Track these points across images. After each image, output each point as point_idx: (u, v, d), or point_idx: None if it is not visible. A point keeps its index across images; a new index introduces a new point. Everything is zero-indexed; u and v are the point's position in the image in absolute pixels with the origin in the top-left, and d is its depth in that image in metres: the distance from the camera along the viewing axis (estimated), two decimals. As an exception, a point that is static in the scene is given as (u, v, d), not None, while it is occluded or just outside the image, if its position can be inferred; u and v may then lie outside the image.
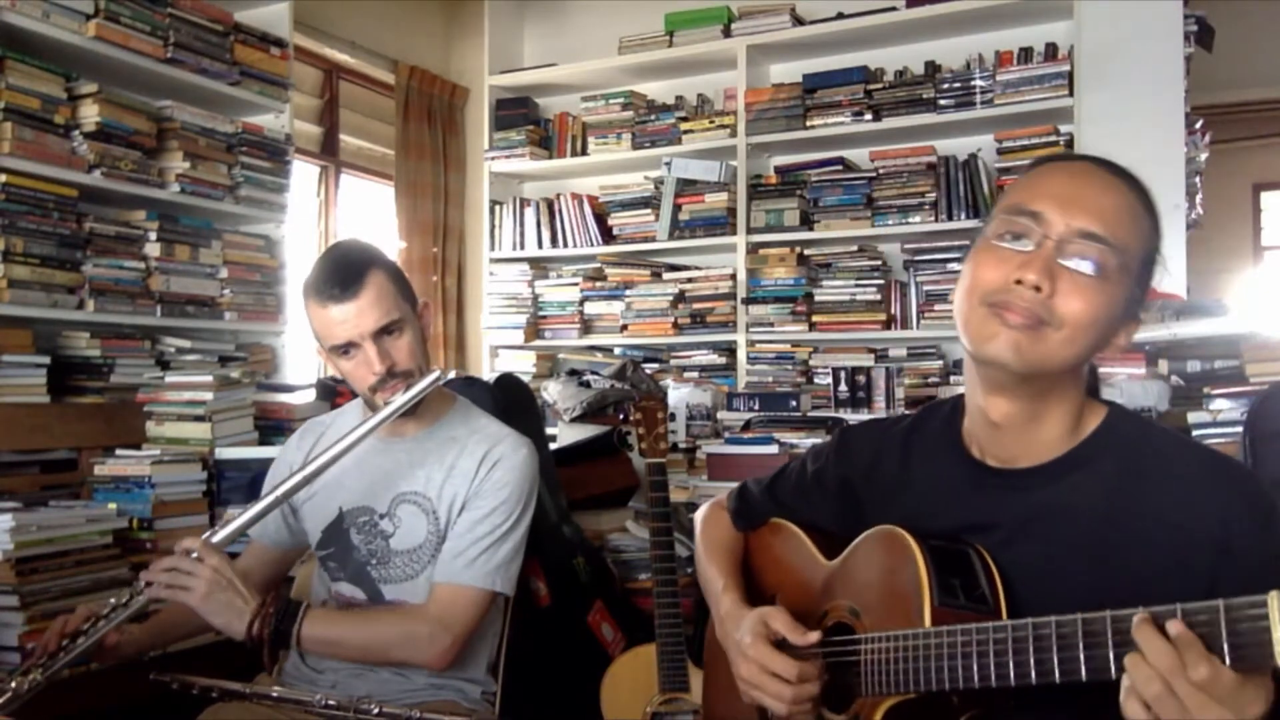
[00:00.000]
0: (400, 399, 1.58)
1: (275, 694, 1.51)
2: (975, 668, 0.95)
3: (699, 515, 1.49)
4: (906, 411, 1.31)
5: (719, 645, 1.31)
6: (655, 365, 4.07)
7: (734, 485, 1.48)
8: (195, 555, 1.50)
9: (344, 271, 1.61)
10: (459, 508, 1.67)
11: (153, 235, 2.82)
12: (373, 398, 1.65)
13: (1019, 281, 1.00)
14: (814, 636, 1.14)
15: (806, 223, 3.85)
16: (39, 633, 1.60)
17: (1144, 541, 0.87)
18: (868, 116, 3.74)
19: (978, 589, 1.01)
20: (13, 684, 1.43)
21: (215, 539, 1.52)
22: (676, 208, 4.07)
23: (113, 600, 1.53)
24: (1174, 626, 0.82)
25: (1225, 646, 0.79)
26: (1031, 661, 0.91)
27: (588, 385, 3.33)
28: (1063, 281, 1.00)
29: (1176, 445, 1.07)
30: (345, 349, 1.63)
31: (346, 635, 1.60)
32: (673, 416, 3.25)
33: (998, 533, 1.07)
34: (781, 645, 1.17)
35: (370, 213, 4.63)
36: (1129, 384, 2.22)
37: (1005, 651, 0.92)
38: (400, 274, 1.70)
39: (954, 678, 0.97)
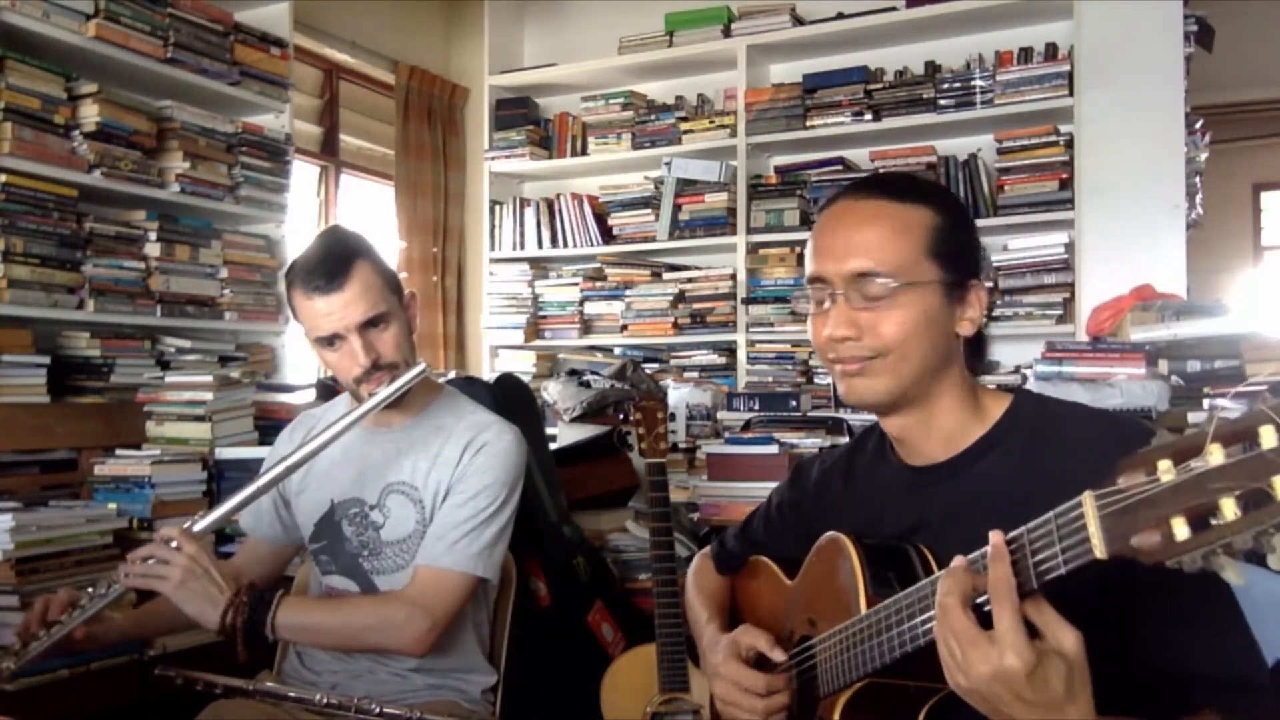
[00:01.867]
0: (384, 391, 1.57)
1: (277, 691, 1.51)
2: (900, 634, 0.98)
3: (691, 566, 1.57)
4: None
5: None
6: (655, 365, 4.07)
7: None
8: (174, 544, 1.49)
9: (330, 262, 1.60)
10: (444, 494, 1.66)
11: (153, 235, 2.82)
12: (357, 389, 1.64)
13: (834, 338, 1.11)
14: (780, 654, 1.21)
15: (806, 223, 3.85)
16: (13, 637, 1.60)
17: (1059, 505, 0.90)
18: (868, 116, 3.74)
19: (913, 578, 1.04)
20: None
21: (196, 528, 1.52)
22: (676, 208, 4.07)
23: (90, 590, 1.52)
24: (957, 560, 0.91)
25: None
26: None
27: (588, 385, 3.33)
28: (862, 318, 1.10)
29: (1076, 412, 1.15)
30: (330, 340, 1.62)
31: (322, 621, 1.59)
32: (673, 416, 3.25)
33: (931, 527, 1.12)
34: (760, 663, 1.22)
35: (370, 213, 4.63)
36: (1129, 384, 2.22)
37: (929, 606, 0.94)
38: (386, 266, 1.68)
39: (888, 649, 0.99)
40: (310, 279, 1.60)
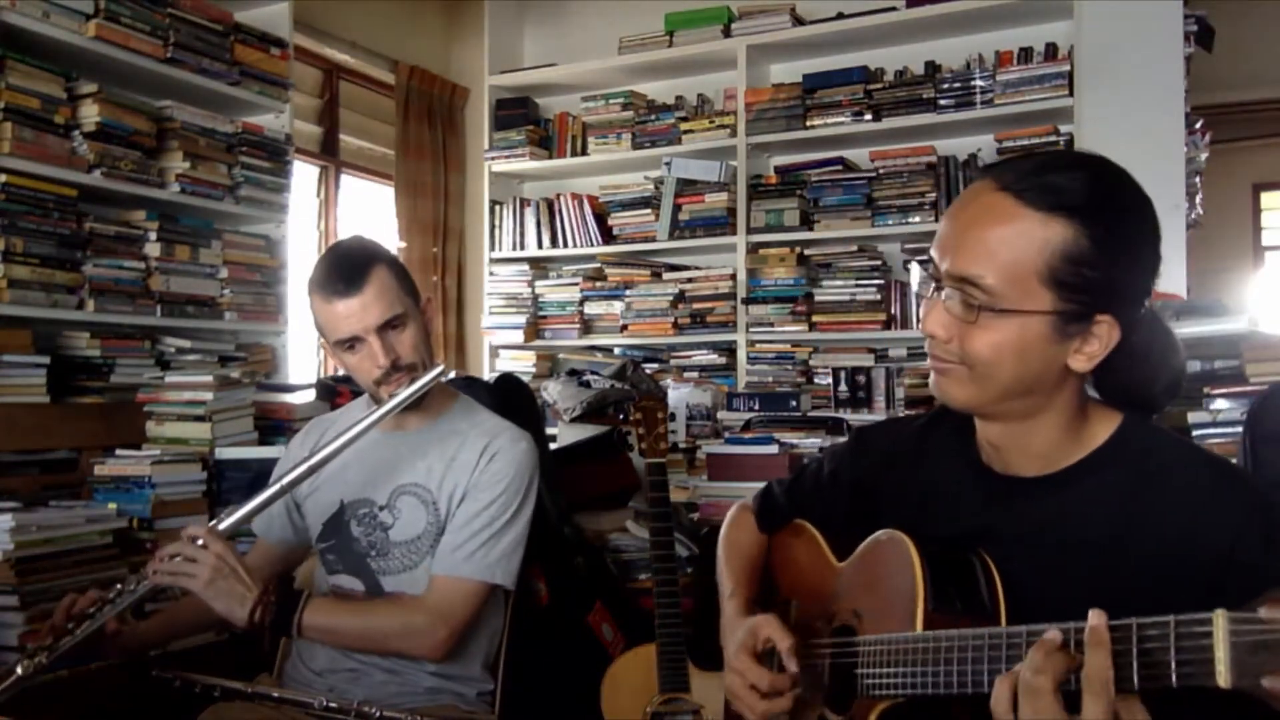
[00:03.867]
0: (405, 392, 1.59)
1: (276, 694, 1.52)
2: (959, 673, 0.95)
3: (729, 515, 1.49)
4: (919, 412, 1.32)
5: None
6: (655, 365, 4.08)
7: (753, 484, 1.49)
8: (200, 542, 1.51)
9: (348, 267, 1.63)
10: (459, 499, 1.68)
11: (153, 235, 2.82)
12: (377, 391, 1.67)
13: (926, 332, 1.05)
14: (794, 665, 1.16)
15: (806, 223, 3.85)
16: (39, 633, 1.60)
17: (1149, 552, 0.86)
18: (868, 116, 3.74)
19: (976, 596, 1.01)
20: (18, 668, 1.45)
21: (221, 526, 1.54)
22: (676, 208, 4.07)
23: (119, 586, 1.54)
24: (1051, 638, 0.83)
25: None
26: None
27: (588, 385, 3.33)
28: (956, 325, 1.02)
29: (1185, 455, 1.05)
30: (350, 344, 1.65)
31: (346, 624, 1.61)
32: (673, 416, 3.25)
33: (1004, 540, 1.07)
34: (774, 654, 1.19)
35: (370, 213, 4.63)
36: (1129, 384, 2.22)
37: (999, 659, 0.91)
38: (403, 269, 1.72)
39: (939, 683, 0.97)
40: (329, 284, 1.63)
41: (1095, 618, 0.81)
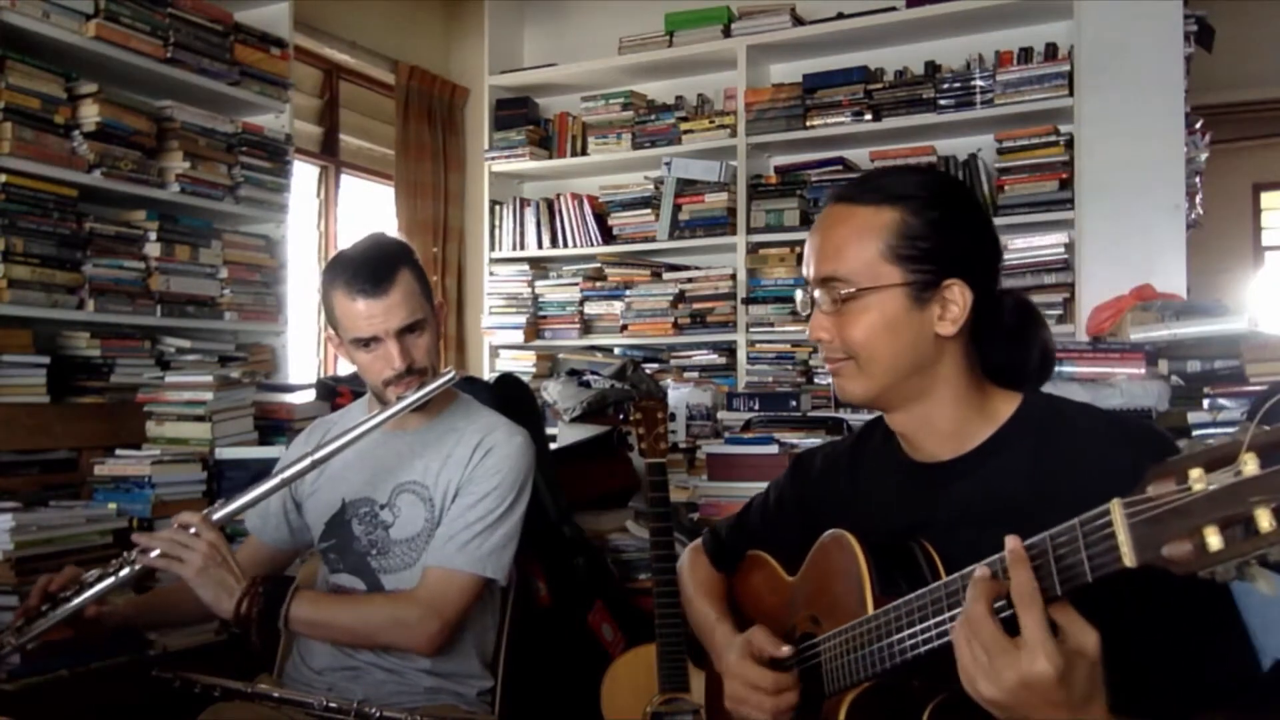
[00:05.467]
0: (413, 396, 1.60)
1: (276, 694, 1.52)
2: (911, 636, 0.98)
3: (681, 562, 1.55)
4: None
5: (719, 680, 1.33)
6: (655, 365, 4.07)
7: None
8: (193, 530, 1.51)
9: (375, 266, 1.64)
10: (453, 494, 1.68)
11: (153, 235, 2.82)
12: (384, 392, 1.68)
13: (812, 339, 1.16)
14: (786, 649, 1.19)
15: (806, 223, 3.84)
16: (15, 612, 1.59)
17: (1067, 504, 0.89)
18: (868, 116, 3.74)
19: (920, 577, 1.04)
20: None
21: (216, 516, 1.54)
22: (676, 208, 4.06)
23: (97, 570, 1.53)
24: (980, 569, 0.90)
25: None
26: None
27: (588, 385, 3.33)
28: (832, 321, 1.13)
29: (1085, 411, 1.14)
30: (367, 342, 1.65)
31: (335, 617, 1.61)
32: (673, 416, 3.25)
33: (937, 526, 1.12)
34: (772, 662, 1.21)
35: (370, 213, 4.63)
36: (1129, 384, 2.22)
37: (942, 609, 0.95)
38: (424, 273, 1.74)
39: (897, 652, 1.00)
40: (355, 280, 1.63)
41: (1011, 541, 0.88)
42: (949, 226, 1.12)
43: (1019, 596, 0.86)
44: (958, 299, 1.11)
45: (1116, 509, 0.79)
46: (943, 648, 0.94)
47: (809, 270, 1.16)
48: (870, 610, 1.05)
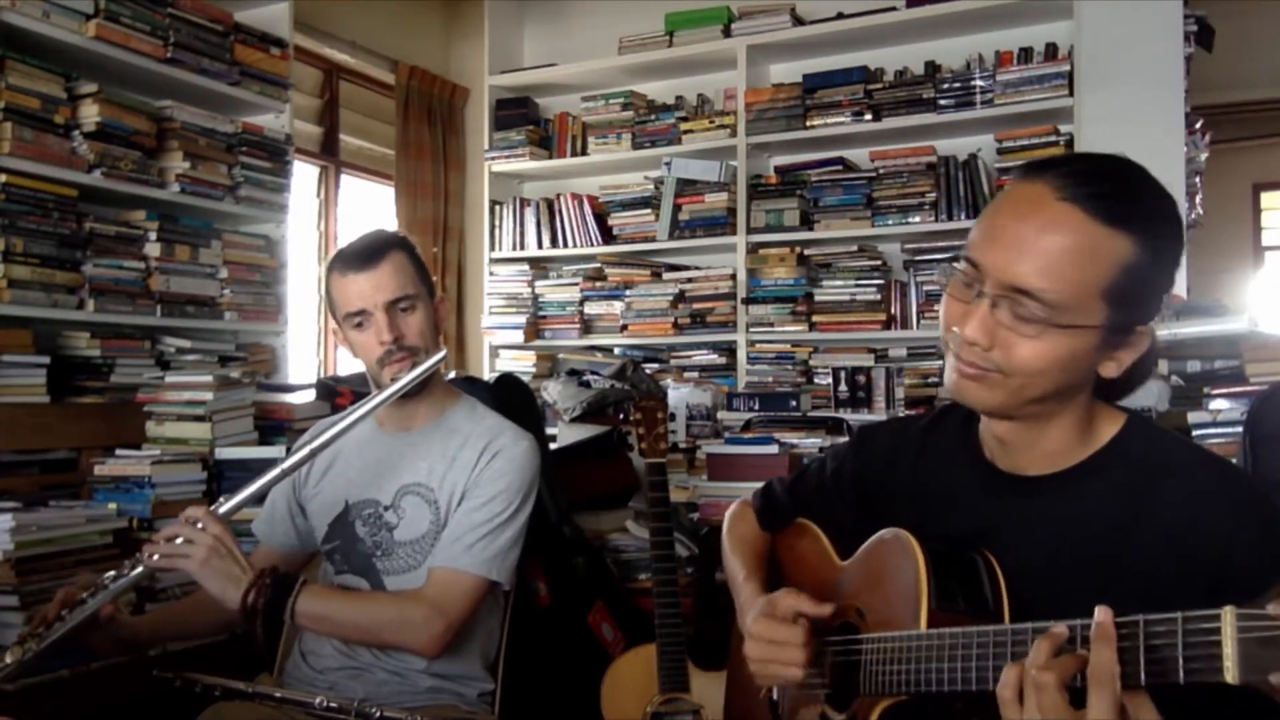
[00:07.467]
0: (407, 375, 1.61)
1: (277, 694, 1.51)
2: (964, 670, 0.95)
3: (728, 512, 1.49)
4: (918, 412, 1.31)
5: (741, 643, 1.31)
6: (655, 365, 4.07)
7: (753, 484, 1.49)
8: (199, 525, 1.51)
9: (368, 247, 1.71)
10: (459, 497, 1.68)
11: (153, 235, 2.82)
12: (380, 372, 1.69)
13: (965, 339, 1.00)
14: (828, 608, 1.13)
15: (806, 223, 3.85)
16: (33, 621, 1.59)
17: (1149, 550, 0.86)
18: (868, 116, 3.74)
19: (979, 594, 1.01)
20: (7, 656, 1.44)
21: (221, 510, 1.54)
22: (676, 208, 4.07)
23: (112, 572, 1.53)
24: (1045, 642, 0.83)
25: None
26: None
27: (588, 385, 3.33)
28: (1002, 333, 0.98)
29: (1186, 454, 1.05)
30: (358, 319, 1.69)
31: (341, 613, 1.60)
32: (673, 416, 3.25)
33: (1006, 538, 1.07)
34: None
35: (370, 213, 4.63)
36: (1129, 384, 2.22)
37: (1004, 655, 0.91)
38: (420, 259, 1.77)
39: (944, 680, 0.97)
40: (347, 260, 1.70)
41: (1101, 614, 0.81)
42: (1167, 263, 1.00)
43: (1095, 674, 0.80)
44: (1139, 345, 1.01)
45: (1229, 618, 0.74)
46: (993, 691, 0.89)
47: (999, 264, 0.98)
48: (924, 622, 1.01)
